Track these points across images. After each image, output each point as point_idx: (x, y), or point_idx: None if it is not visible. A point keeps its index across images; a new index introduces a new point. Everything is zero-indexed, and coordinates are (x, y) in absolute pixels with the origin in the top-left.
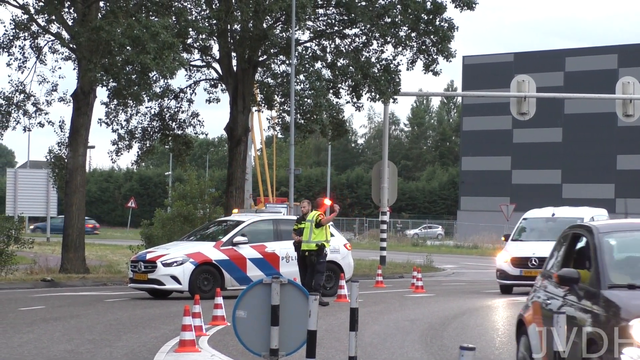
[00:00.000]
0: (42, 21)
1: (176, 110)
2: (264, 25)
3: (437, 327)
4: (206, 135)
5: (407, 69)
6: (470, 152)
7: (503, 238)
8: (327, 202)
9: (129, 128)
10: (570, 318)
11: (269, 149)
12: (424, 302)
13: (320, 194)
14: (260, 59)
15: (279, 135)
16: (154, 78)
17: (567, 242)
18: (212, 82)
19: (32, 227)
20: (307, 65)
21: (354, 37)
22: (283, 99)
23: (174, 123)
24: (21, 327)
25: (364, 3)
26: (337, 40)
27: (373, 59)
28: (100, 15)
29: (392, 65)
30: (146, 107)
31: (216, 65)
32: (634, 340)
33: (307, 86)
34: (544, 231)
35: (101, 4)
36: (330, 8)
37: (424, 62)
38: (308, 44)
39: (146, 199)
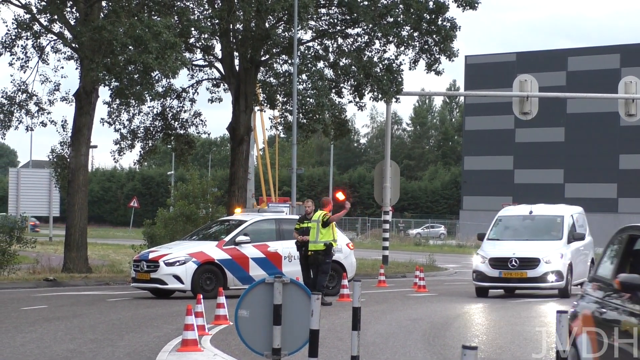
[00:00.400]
0: (45, 21)
1: (178, 109)
2: (266, 24)
3: (440, 326)
4: (208, 134)
5: (410, 69)
6: (473, 151)
7: (478, 238)
8: (340, 195)
9: (132, 127)
10: (628, 326)
11: (271, 148)
12: (427, 302)
13: (324, 193)
14: (263, 58)
15: (281, 135)
16: (156, 77)
17: (623, 244)
18: (215, 82)
19: None
20: (309, 65)
21: (356, 37)
22: (285, 99)
23: (177, 122)
24: (24, 327)
25: (366, 3)
26: (340, 40)
27: (375, 59)
28: (102, 15)
29: (394, 65)
30: (148, 107)
31: (218, 65)
32: None
33: (310, 86)
34: (522, 230)
35: (103, 3)
36: (333, 7)
37: (427, 62)
38: (310, 44)
39: (148, 199)
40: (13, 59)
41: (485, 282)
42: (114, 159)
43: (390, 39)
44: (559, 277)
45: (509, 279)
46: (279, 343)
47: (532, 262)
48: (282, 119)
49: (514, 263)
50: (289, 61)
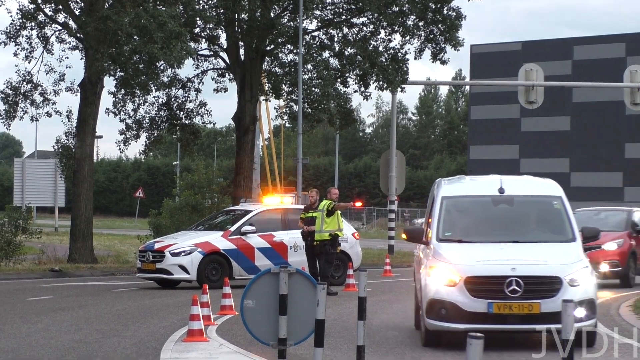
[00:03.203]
0: (49, 11)
1: (184, 99)
2: (272, 14)
3: None
4: (214, 124)
5: (415, 58)
6: (478, 140)
7: (405, 236)
8: (359, 204)
9: (137, 118)
10: None
11: (276, 138)
12: None
13: (329, 183)
14: (268, 48)
15: (287, 125)
16: (162, 67)
17: None
18: (220, 72)
19: None
20: (314, 55)
21: (361, 26)
22: (291, 88)
23: (182, 112)
24: (29, 317)
25: None
26: (345, 29)
27: (381, 48)
28: (107, 5)
29: (399, 54)
30: (154, 97)
31: (224, 55)
32: None
33: (315, 75)
34: (498, 222)
35: None
36: None
37: (432, 51)
38: (316, 33)
39: (154, 189)
40: (18, 49)
41: (461, 323)
42: (120, 149)
43: (396, 28)
44: (590, 310)
45: (506, 316)
46: (285, 333)
47: (549, 285)
48: (287, 109)
49: (515, 287)
50: (295, 51)
